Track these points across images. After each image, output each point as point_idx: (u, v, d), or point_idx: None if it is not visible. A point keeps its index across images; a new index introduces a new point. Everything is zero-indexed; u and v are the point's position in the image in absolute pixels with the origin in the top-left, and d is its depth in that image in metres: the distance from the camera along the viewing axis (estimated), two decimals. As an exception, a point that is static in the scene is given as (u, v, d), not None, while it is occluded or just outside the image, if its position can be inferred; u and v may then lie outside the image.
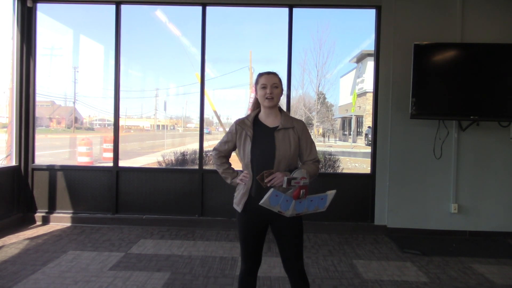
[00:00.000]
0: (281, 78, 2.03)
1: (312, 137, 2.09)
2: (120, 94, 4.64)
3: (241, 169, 2.07)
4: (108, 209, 4.59)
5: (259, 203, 1.75)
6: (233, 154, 2.22)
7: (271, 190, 1.74)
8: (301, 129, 2.00)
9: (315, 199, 1.84)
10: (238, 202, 2.00)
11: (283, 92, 2.05)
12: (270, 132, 1.95)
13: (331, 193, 1.87)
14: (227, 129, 2.13)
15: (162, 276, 3.04)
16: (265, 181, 1.84)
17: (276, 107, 2.02)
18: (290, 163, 1.93)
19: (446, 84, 4.09)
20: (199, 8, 4.52)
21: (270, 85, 1.95)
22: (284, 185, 1.74)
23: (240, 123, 2.03)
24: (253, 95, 2.10)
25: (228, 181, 2.10)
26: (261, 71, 2.04)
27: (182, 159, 6.48)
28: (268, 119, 2.01)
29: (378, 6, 4.40)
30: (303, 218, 1.98)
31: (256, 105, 2.08)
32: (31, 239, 3.96)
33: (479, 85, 4.04)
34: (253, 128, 1.99)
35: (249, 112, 2.13)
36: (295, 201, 1.77)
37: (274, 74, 2.00)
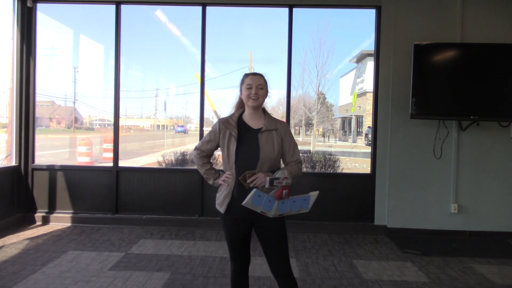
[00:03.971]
0: (267, 80, 2.03)
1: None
2: (120, 94, 4.64)
3: (221, 169, 2.06)
4: (108, 209, 4.59)
5: (242, 203, 1.75)
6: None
7: (254, 190, 1.73)
8: (284, 131, 2.00)
9: (298, 200, 1.84)
10: (221, 203, 1.99)
11: (268, 93, 2.04)
12: (254, 134, 1.95)
13: (314, 194, 1.87)
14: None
15: (162, 276, 3.04)
16: (248, 181, 1.84)
17: (260, 108, 2.02)
18: (273, 165, 1.93)
19: (446, 84, 4.09)
20: (199, 8, 4.52)
21: (255, 86, 1.95)
22: (267, 185, 1.74)
23: (224, 122, 2.00)
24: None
25: (210, 182, 2.08)
26: (247, 72, 2.05)
27: (182, 159, 6.48)
28: (252, 120, 2.00)
29: (378, 6, 4.40)
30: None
31: (240, 104, 2.08)
32: (31, 239, 3.96)
33: (479, 85, 4.04)
34: (238, 128, 1.97)
35: (233, 111, 2.11)
36: (278, 201, 1.77)
37: (260, 75, 2.01)
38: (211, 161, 2.17)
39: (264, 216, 1.82)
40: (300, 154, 2.09)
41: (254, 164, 1.88)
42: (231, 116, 2.04)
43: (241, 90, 2.02)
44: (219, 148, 2.07)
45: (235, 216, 1.96)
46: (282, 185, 1.75)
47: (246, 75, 2.02)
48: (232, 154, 1.93)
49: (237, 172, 1.91)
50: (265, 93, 2.00)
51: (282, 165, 2.05)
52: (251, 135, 1.95)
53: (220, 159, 2.09)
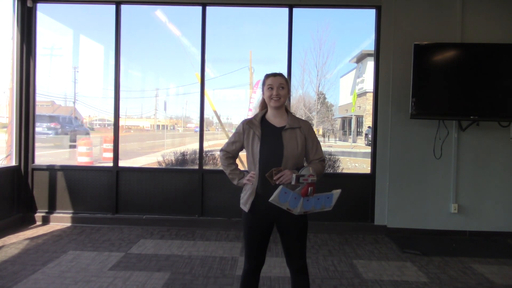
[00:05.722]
0: (287, 80, 2.07)
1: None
2: (120, 94, 4.64)
3: (244, 169, 2.08)
4: (108, 209, 4.59)
5: (269, 200, 1.77)
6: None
7: (280, 187, 1.75)
8: (307, 129, 2.04)
9: (322, 198, 1.87)
10: (245, 202, 2.02)
11: (290, 91, 2.09)
12: (278, 132, 1.98)
13: (336, 192, 1.89)
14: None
15: (162, 276, 3.04)
16: (274, 178, 1.86)
17: (283, 107, 2.06)
18: (297, 162, 1.97)
19: (446, 84, 4.09)
20: (199, 8, 4.52)
21: (276, 86, 1.99)
22: (293, 182, 1.76)
23: (248, 122, 2.05)
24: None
25: (235, 182, 2.11)
26: (268, 72, 2.08)
27: (182, 159, 6.47)
28: (275, 119, 2.04)
29: (378, 6, 4.40)
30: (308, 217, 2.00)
31: (264, 105, 2.11)
32: (31, 239, 3.96)
33: (479, 85, 4.04)
34: (261, 127, 2.01)
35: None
36: (303, 198, 1.79)
37: (280, 75, 2.04)
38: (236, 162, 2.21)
39: (287, 212, 1.84)
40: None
41: (279, 161, 1.91)
42: (254, 117, 2.08)
43: (263, 91, 2.07)
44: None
45: (259, 214, 1.99)
46: (308, 182, 1.77)
47: (267, 76, 2.05)
48: (256, 153, 1.97)
49: (261, 170, 1.94)
50: (287, 93, 2.04)
51: (305, 163, 2.08)
52: (275, 133, 1.98)
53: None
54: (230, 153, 2.13)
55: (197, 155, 4.69)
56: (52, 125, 9.90)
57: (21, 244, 3.78)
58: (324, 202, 1.87)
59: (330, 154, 6.60)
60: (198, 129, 4.66)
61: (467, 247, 3.98)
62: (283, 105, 2.05)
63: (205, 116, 5.30)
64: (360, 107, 16.71)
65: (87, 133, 10.70)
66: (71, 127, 10.12)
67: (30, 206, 4.63)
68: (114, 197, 4.57)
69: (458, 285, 3.01)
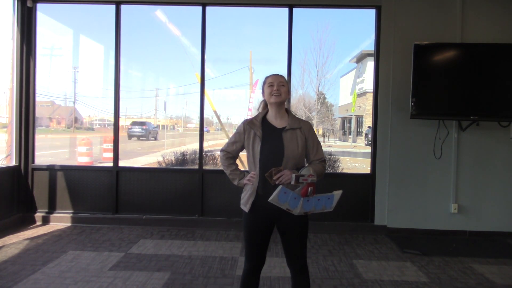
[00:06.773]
0: (288, 80, 2.10)
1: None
2: (120, 94, 4.64)
3: (245, 169, 2.08)
4: (108, 209, 4.59)
5: (268, 200, 1.76)
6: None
7: (280, 187, 1.75)
8: (308, 130, 2.04)
9: (322, 199, 1.86)
10: (245, 202, 2.02)
11: (290, 92, 2.10)
12: (278, 133, 1.99)
13: (337, 193, 1.88)
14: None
15: (162, 276, 3.04)
16: (274, 178, 1.86)
17: (283, 107, 2.06)
18: (297, 163, 1.97)
19: (446, 84, 4.09)
20: (199, 8, 4.52)
21: (277, 83, 2.01)
22: (293, 182, 1.76)
23: (248, 123, 2.05)
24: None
25: (235, 182, 2.11)
26: (267, 74, 2.12)
27: (182, 159, 6.47)
28: (276, 120, 2.05)
29: (378, 6, 4.40)
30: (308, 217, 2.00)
31: (264, 106, 2.12)
32: (31, 239, 3.96)
33: (479, 85, 4.04)
34: (262, 128, 2.02)
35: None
36: (303, 199, 1.79)
37: (280, 75, 2.09)
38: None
39: (288, 213, 1.84)
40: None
41: (279, 162, 1.92)
42: (255, 117, 2.09)
43: (263, 91, 2.08)
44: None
45: (259, 214, 1.99)
46: (308, 182, 1.76)
47: (267, 76, 2.09)
48: (256, 153, 1.97)
49: (261, 170, 1.94)
50: (287, 91, 2.05)
51: (306, 164, 2.08)
52: (275, 134, 1.99)
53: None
54: (230, 153, 2.13)
55: (197, 155, 4.69)
56: (144, 127, 14.18)
57: (21, 244, 3.78)
58: (324, 203, 1.86)
59: (330, 154, 6.60)
60: (207, 129, 4.67)
61: (467, 247, 3.98)
62: (284, 104, 2.05)
63: (205, 116, 5.30)
64: (360, 107, 16.71)
65: (157, 132, 15.22)
66: (151, 128, 14.73)
67: (30, 206, 4.63)
68: (114, 197, 4.57)
69: (458, 285, 3.01)
